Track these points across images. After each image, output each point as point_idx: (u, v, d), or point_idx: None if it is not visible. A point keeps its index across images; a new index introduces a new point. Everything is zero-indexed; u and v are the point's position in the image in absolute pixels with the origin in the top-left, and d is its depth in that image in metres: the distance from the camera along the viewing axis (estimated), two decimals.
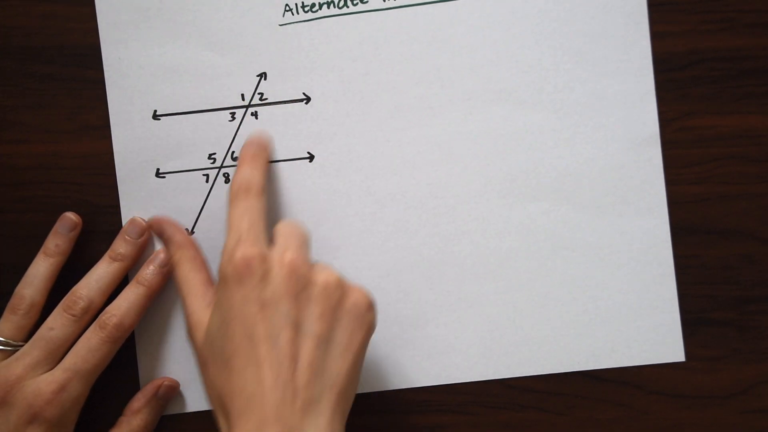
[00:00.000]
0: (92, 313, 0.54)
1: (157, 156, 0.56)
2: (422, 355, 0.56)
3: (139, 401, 0.56)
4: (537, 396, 0.57)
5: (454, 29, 0.56)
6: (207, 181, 0.56)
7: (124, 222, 0.56)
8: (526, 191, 0.56)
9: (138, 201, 0.56)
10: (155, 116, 0.56)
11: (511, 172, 0.56)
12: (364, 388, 0.56)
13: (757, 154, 0.56)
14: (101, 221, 0.57)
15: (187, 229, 0.56)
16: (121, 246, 0.55)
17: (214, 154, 0.56)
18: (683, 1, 0.56)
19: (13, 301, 0.54)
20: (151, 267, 0.55)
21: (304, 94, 0.56)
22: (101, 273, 0.55)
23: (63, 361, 0.53)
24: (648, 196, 0.56)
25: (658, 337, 0.56)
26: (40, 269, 0.55)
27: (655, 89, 0.56)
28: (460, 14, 0.56)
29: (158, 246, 0.56)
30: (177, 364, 0.57)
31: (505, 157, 0.56)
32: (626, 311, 0.56)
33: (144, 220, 0.56)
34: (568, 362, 0.56)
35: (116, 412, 0.55)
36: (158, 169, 0.56)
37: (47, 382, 0.51)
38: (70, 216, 0.56)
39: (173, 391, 0.56)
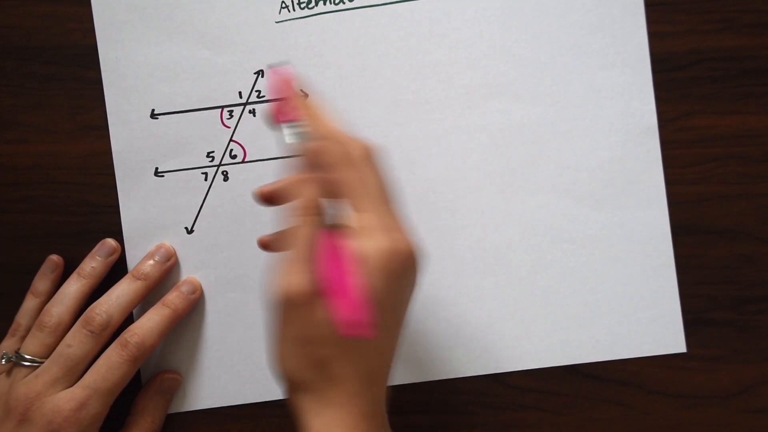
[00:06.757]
0: (111, 331, 0.53)
1: (156, 155, 0.56)
2: (423, 351, 0.56)
3: (144, 398, 0.56)
4: (537, 396, 0.56)
5: (450, 24, 0.56)
6: (206, 179, 0.56)
7: (123, 221, 0.56)
8: (525, 185, 0.56)
9: (137, 200, 0.56)
10: (153, 115, 0.56)
11: (509, 165, 0.56)
12: None
13: (757, 154, 0.56)
14: (101, 221, 0.57)
15: (186, 228, 0.57)
16: (146, 266, 0.55)
17: (213, 152, 0.56)
18: (683, 1, 0.56)
19: (42, 318, 0.53)
20: (177, 291, 0.55)
21: (301, 90, 0.55)
22: (122, 290, 0.54)
23: (83, 378, 0.52)
24: (647, 187, 0.56)
25: (659, 328, 0.56)
26: (72, 289, 0.54)
27: (654, 86, 0.56)
28: (456, 9, 0.56)
29: (184, 274, 0.57)
30: (177, 359, 0.57)
31: (503, 150, 0.56)
32: (627, 303, 0.56)
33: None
34: (569, 355, 0.56)
35: (118, 411, 0.55)
36: (157, 168, 0.56)
37: (66, 400, 0.51)
38: (110, 242, 0.56)
39: (176, 384, 0.56)
